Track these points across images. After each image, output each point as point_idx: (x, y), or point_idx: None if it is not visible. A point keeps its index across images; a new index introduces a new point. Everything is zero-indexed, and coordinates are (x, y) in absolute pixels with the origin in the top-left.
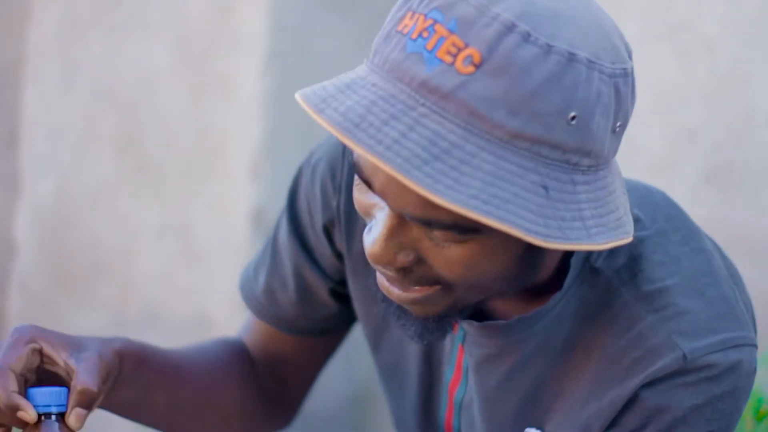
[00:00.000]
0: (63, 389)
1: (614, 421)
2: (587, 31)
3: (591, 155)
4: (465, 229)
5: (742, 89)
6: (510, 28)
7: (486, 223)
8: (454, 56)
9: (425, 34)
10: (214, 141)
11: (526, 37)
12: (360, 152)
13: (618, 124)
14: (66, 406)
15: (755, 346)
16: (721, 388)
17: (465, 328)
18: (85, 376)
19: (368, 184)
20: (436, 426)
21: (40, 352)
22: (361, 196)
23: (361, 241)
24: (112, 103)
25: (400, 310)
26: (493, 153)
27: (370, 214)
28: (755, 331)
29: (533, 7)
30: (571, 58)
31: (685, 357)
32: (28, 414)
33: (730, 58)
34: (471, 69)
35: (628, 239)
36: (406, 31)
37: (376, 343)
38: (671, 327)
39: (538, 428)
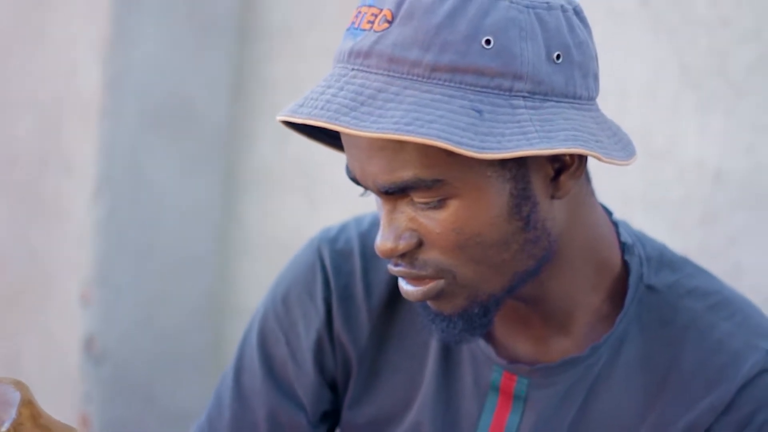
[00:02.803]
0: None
1: (710, 429)
2: None
3: (525, 79)
4: (429, 182)
5: None
6: None
7: (414, 140)
8: (372, 22)
9: (355, 18)
10: (43, 267)
11: None
12: (301, 121)
13: (556, 53)
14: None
15: None
16: None
17: (529, 376)
18: None
19: (358, 183)
20: None
21: None
22: (379, 209)
23: (376, 316)
24: None
25: (436, 315)
26: (416, 89)
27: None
28: None
29: None
30: None
31: None
32: None
33: None
34: (385, 25)
35: (591, 152)
36: (350, 23)
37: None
38: (748, 331)
39: None
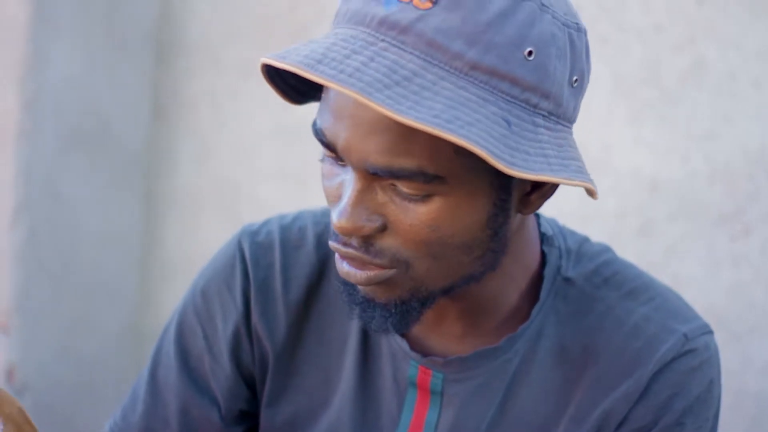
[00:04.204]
0: None
1: (627, 417)
2: None
3: (550, 99)
4: (430, 176)
5: None
6: None
7: (452, 140)
8: None
9: None
10: None
11: None
12: (323, 82)
13: (575, 78)
14: None
15: None
16: (713, 371)
17: (443, 370)
18: None
19: (332, 149)
20: None
21: None
22: (328, 180)
23: (295, 306)
24: None
25: (365, 300)
26: (453, 83)
27: (338, 195)
28: None
29: None
30: (542, 6)
31: (686, 336)
32: None
33: None
34: (428, 5)
35: (592, 186)
36: None
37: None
38: (664, 314)
39: None
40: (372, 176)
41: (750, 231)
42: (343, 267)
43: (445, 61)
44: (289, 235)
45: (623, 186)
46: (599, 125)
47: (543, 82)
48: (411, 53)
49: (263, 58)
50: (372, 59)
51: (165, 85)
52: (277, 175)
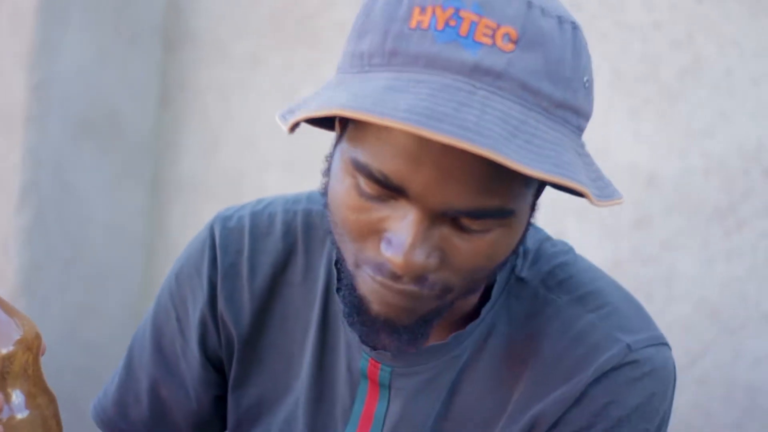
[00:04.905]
0: None
1: (561, 419)
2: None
3: (587, 119)
4: (507, 212)
5: None
6: (529, 4)
7: (572, 186)
8: (492, 37)
9: (452, 23)
10: None
11: (543, 11)
12: (445, 141)
13: (586, 78)
14: None
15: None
16: (657, 384)
17: (392, 363)
18: None
19: (393, 190)
20: None
21: None
22: (360, 213)
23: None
24: None
25: (380, 322)
26: (545, 125)
27: (376, 230)
28: None
29: None
30: (574, 26)
31: (629, 347)
32: None
33: None
34: (511, 46)
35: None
36: (425, 25)
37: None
38: (611, 323)
39: None
40: (438, 215)
41: (744, 226)
42: (381, 299)
43: (537, 102)
44: (258, 221)
45: (620, 180)
46: (599, 120)
47: (591, 106)
48: (510, 99)
49: (350, 111)
50: (483, 111)
51: (173, 75)
52: (282, 164)
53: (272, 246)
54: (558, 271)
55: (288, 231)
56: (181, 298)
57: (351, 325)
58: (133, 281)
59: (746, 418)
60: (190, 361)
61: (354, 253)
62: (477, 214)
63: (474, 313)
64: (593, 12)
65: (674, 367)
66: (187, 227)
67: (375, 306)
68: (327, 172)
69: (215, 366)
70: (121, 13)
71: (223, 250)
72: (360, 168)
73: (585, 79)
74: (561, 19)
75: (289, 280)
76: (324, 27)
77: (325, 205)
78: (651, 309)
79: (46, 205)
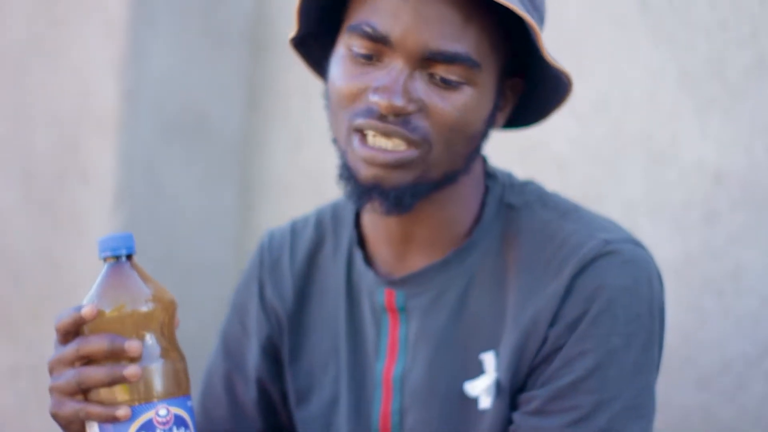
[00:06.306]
0: (129, 234)
1: (557, 315)
2: None
3: None
4: (473, 62)
5: (593, 207)
6: None
7: (521, 14)
8: None
9: None
10: (65, 279)
11: None
12: None
13: None
14: (134, 248)
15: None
16: (639, 271)
17: (403, 288)
18: None
19: (379, 41)
20: (369, 426)
21: None
22: (353, 78)
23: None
24: None
25: (368, 186)
26: None
27: (366, 89)
28: None
29: None
30: None
31: (606, 241)
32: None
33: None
34: None
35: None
36: None
37: (307, 392)
38: (590, 228)
39: (491, 351)
40: (418, 64)
41: None
42: (366, 150)
43: None
44: (297, 222)
45: (688, 177)
46: (666, 119)
47: None
48: None
49: None
50: None
51: (260, 78)
52: None
53: (307, 235)
54: (543, 197)
55: (320, 222)
56: (242, 303)
57: (348, 196)
58: (225, 278)
59: None
60: (253, 355)
61: (347, 120)
62: (449, 58)
63: (468, 236)
64: (661, 13)
65: (655, 265)
66: (276, 223)
67: (363, 171)
68: (327, 77)
69: (274, 358)
70: (209, 18)
71: (269, 251)
72: (352, 29)
73: None
74: None
75: (323, 258)
76: None
77: (326, 106)
78: (720, 303)
79: (140, 207)
